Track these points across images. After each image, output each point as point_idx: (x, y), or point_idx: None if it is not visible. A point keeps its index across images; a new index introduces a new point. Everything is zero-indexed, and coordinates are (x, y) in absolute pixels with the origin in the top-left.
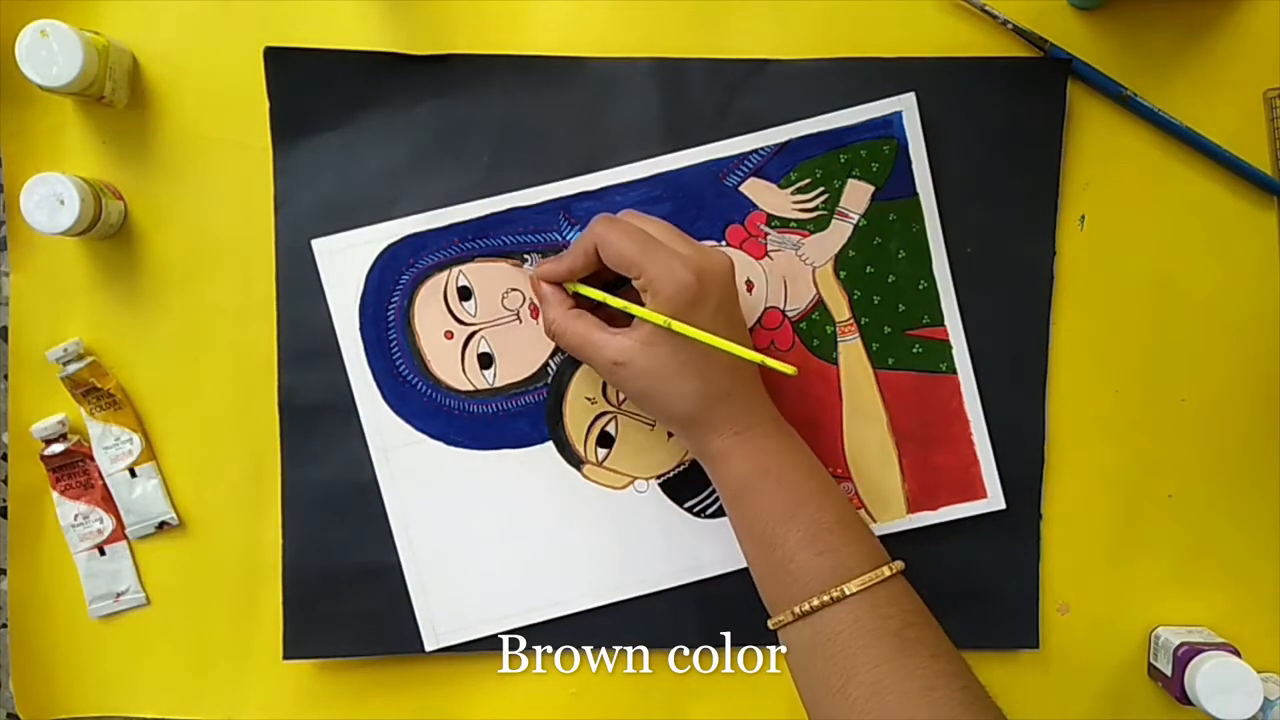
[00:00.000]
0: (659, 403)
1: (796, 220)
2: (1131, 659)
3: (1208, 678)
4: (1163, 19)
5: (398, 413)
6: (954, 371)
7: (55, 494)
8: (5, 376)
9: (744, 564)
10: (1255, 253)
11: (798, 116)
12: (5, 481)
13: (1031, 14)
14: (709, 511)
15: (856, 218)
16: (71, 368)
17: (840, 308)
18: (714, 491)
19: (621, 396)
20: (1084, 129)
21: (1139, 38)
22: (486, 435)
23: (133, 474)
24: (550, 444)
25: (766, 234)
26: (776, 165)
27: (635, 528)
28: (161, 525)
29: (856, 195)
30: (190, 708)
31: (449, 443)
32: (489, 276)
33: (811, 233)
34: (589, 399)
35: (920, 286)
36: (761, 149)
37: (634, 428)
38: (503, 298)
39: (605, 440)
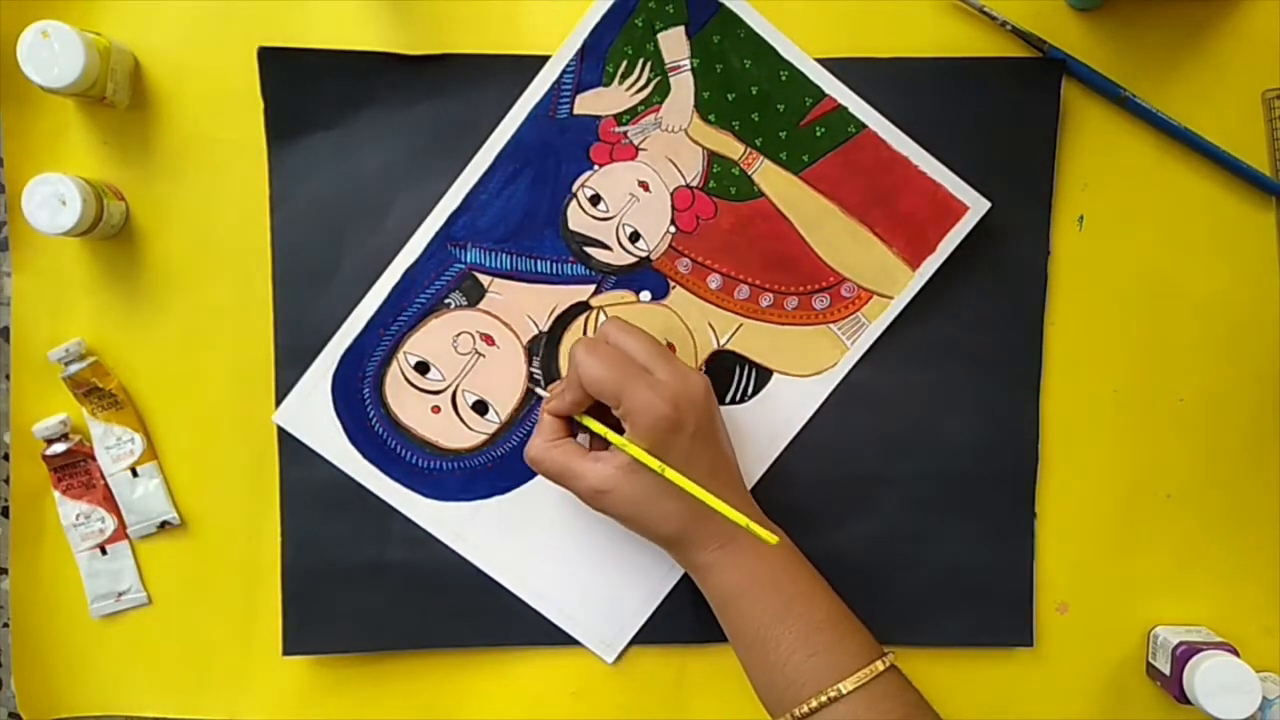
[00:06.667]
0: (644, 525)
1: (641, 103)
2: (1130, 658)
3: (1206, 677)
4: (1161, 20)
5: (444, 499)
6: (864, 127)
7: (57, 494)
8: (7, 377)
9: None
10: (1253, 253)
11: None
12: (7, 481)
13: (1030, 15)
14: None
15: (687, 63)
16: (73, 368)
17: (731, 147)
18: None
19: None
20: (1082, 130)
21: (1137, 39)
22: (523, 468)
23: (134, 474)
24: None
25: (625, 133)
26: (589, 71)
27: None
28: (163, 525)
29: (673, 44)
30: (192, 706)
31: (500, 493)
32: (430, 340)
33: (660, 104)
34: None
35: (783, 78)
36: (567, 67)
37: None
38: (454, 348)
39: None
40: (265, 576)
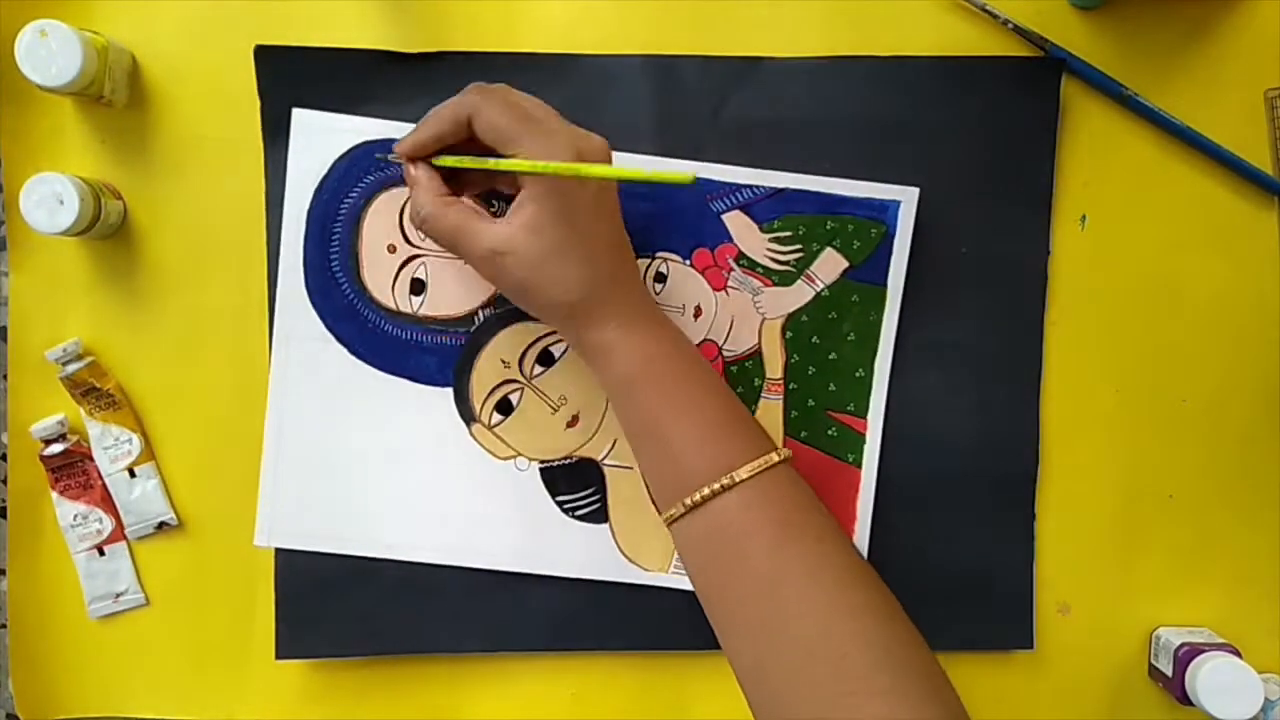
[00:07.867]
0: (541, 292)
1: (764, 267)
2: (1132, 659)
3: (1208, 678)
4: (1163, 18)
5: (315, 305)
6: (859, 465)
7: (54, 494)
8: (4, 376)
9: (596, 575)
10: (1256, 252)
11: (792, 115)
12: (5, 482)
13: (1032, 13)
14: (578, 513)
15: (822, 286)
16: (71, 368)
17: (775, 365)
18: (590, 495)
19: (533, 370)
20: (1084, 128)
21: (1139, 37)
22: (392, 359)
23: (132, 474)
24: (450, 391)
25: (731, 269)
26: (765, 208)
27: (501, 501)
28: (161, 525)
29: (830, 265)
30: (189, 708)
31: (353, 351)
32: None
33: (774, 284)
34: (504, 362)
35: (857, 374)
36: (756, 186)
37: (536, 405)
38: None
39: (504, 407)
40: (263, 578)
